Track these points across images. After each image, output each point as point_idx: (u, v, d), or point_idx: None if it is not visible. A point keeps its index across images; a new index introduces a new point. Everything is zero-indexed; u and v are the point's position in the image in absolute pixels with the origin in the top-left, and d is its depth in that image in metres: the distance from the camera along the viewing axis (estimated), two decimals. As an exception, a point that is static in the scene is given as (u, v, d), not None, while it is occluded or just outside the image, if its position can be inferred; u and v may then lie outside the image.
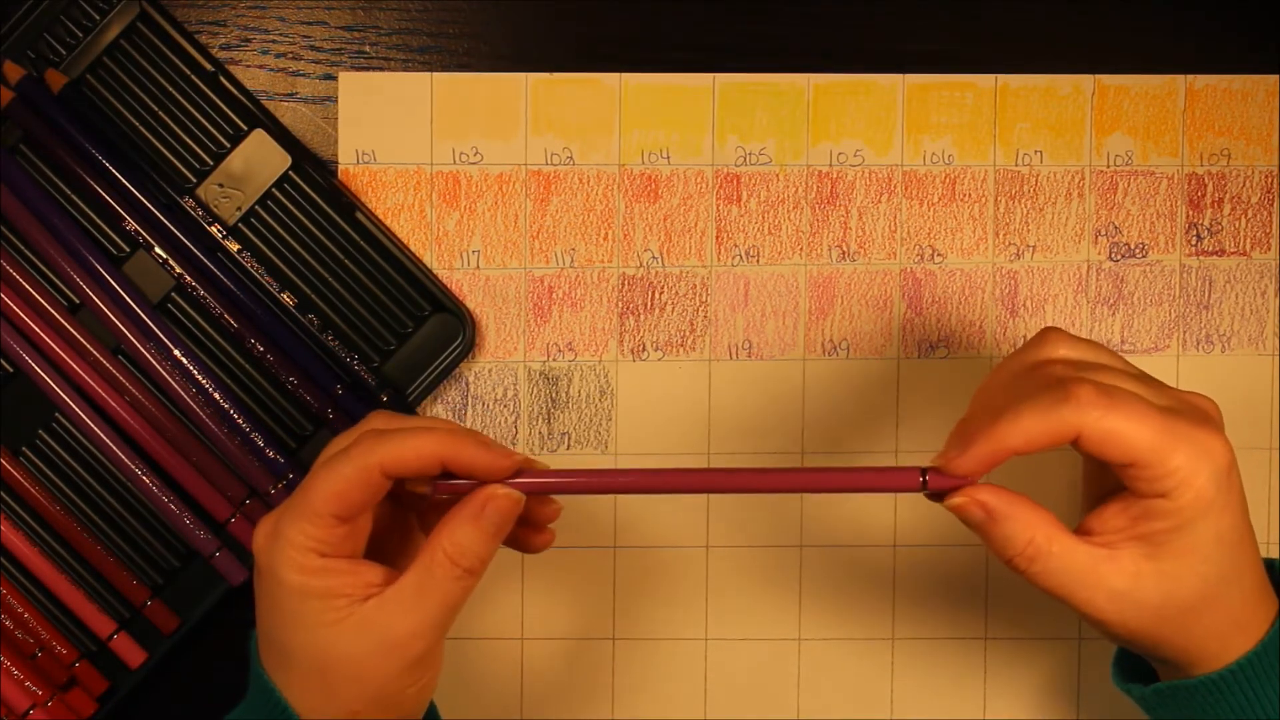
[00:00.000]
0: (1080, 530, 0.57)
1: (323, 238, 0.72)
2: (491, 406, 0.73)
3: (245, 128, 0.72)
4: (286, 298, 0.72)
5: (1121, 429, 0.54)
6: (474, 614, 0.73)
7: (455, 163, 0.73)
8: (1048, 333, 0.59)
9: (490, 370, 0.73)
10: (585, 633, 0.74)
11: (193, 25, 0.73)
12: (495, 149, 0.73)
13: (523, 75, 0.73)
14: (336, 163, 0.73)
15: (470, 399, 0.73)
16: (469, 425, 0.73)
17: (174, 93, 0.72)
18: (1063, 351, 0.58)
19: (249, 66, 0.73)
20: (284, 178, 0.72)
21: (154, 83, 0.72)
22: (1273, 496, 0.74)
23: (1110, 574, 0.56)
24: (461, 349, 0.72)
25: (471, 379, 0.73)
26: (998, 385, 0.59)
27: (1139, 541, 0.56)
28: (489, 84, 0.73)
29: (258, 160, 0.72)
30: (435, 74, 0.73)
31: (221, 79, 0.72)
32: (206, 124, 0.72)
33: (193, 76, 0.72)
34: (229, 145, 0.72)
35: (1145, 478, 0.55)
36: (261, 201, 0.72)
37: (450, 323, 0.73)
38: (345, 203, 0.72)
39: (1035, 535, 0.56)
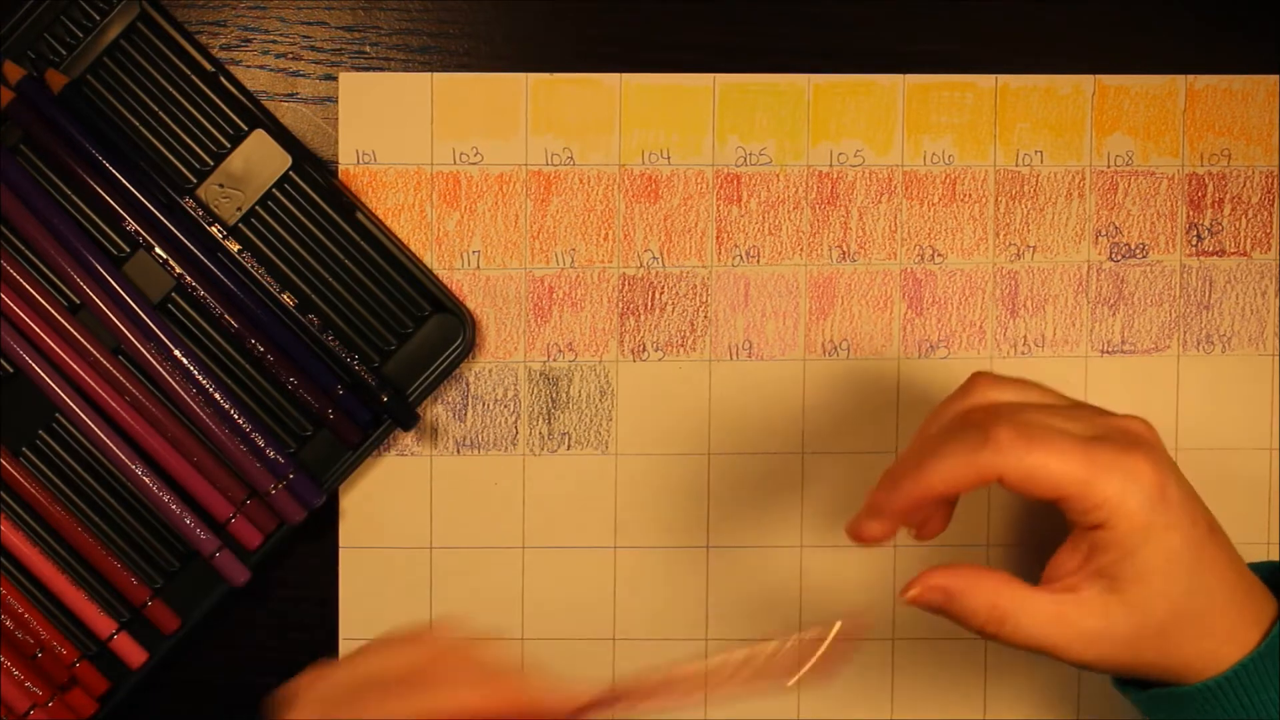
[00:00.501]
0: (1042, 580, 0.58)
1: (323, 238, 0.72)
2: (491, 407, 0.73)
3: (245, 128, 0.72)
4: (287, 298, 0.71)
5: (1041, 466, 0.55)
6: (475, 614, 0.74)
7: (455, 163, 0.73)
8: (975, 378, 0.60)
9: (490, 370, 0.73)
10: (585, 632, 0.74)
11: (193, 25, 0.73)
12: (495, 149, 0.73)
13: (523, 75, 0.73)
14: (337, 163, 0.73)
15: (470, 399, 0.73)
16: (469, 426, 0.73)
17: (174, 93, 0.72)
18: (989, 395, 0.59)
19: (249, 66, 0.73)
20: (284, 178, 0.72)
21: (154, 83, 0.72)
22: (1273, 496, 0.74)
23: (1079, 616, 0.57)
24: (462, 349, 0.72)
25: (472, 379, 0.73)
26: (930, 433, 0.60)
27: (1096, 578, 0.57)
28: (489, 84, 0.73)
29: (258, 160, 0.72)
30: (435, 74, 0.73)
31: (222, 79, 0.72)
32: (207, 124, 0.72)
33: (193, 76, 0.72)
34: (229, 145, 0.72)
35: (1078, 510, 0.56)
36: (262, 202, 0.72)
37: (450, 323, 0.73)
38: (345, 203, 0.72)
39: (997, 600, 0.57)
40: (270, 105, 0.73)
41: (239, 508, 0.72)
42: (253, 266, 0.71)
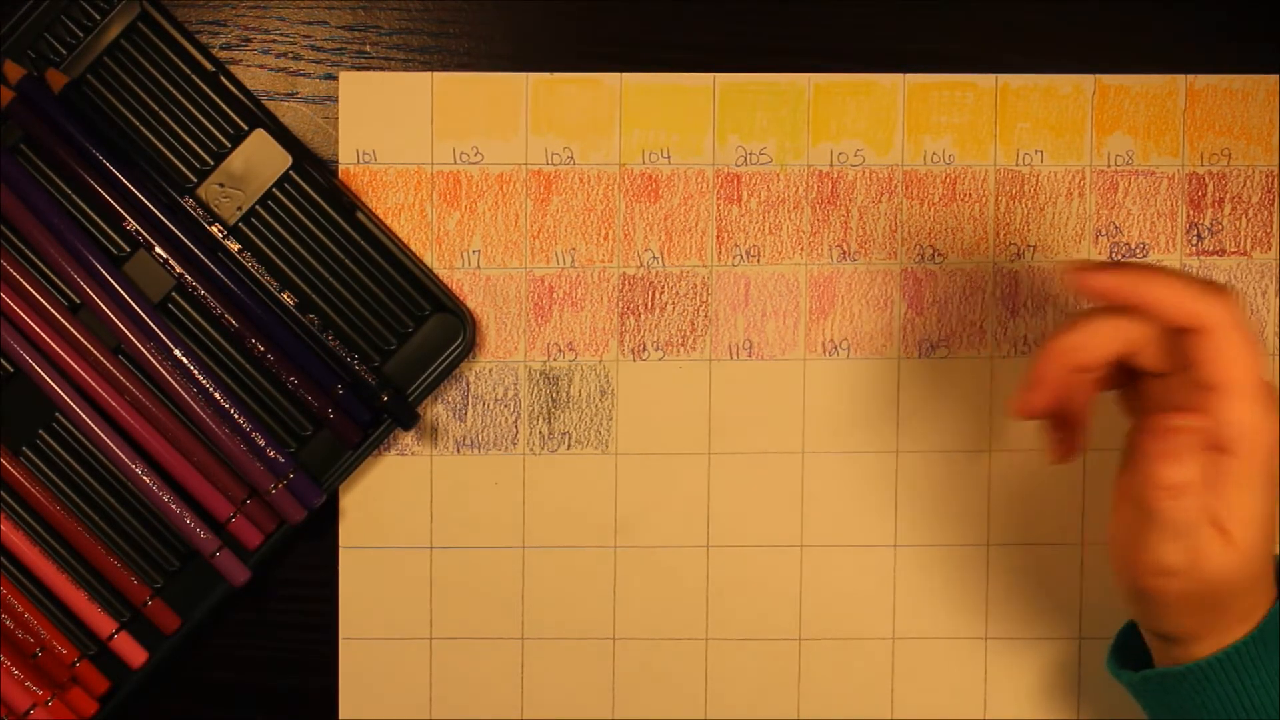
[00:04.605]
0: None
1: (323, 237, 0.72)
2: (492, 406, 0.73)
3: (246, 127, 0.72)
4: (287, 297, 0.71)
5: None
6: (474, 614, 0.74)
7: (456, 162, 0.73)
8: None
9: (491, 370, 0.73)
10: (585, 633, 0.74)
11: (193, 25, 0.73)
12: (496, 149, 0.73)
13: (523, 75, 0.73)
14: (337, 162, 0.73)
15: (471, 399, 0.73)
16: (469, 426, 0.73)
17: (174, 92, 0.72)
18: None
19: (249, 66, 0.73)
20: (284, 177, 0.72)
21: (154, 82, 0.72)
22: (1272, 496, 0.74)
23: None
24: (462, 349, 0.72)
25: (472, 379, 0.73)
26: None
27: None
28: (489, 84, 0.73)
29: (258, 160, 0.72)
30: (436, 74, 0.73)
31: (222, 79, 0.72)
32: (207, 124, 0.72)
33: (193, 76, 0.72)
34: (229, 145, 0.72)
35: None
36: (262, 201, 0.72)
37: (451, 323, 0.73)
38: (346, 203, 0.72)
39: None
40: (270, 105, 0.73)
41: (239, 507, 0.72)
42: (253, 266, 0.71)
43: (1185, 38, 0.74)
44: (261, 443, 0.71)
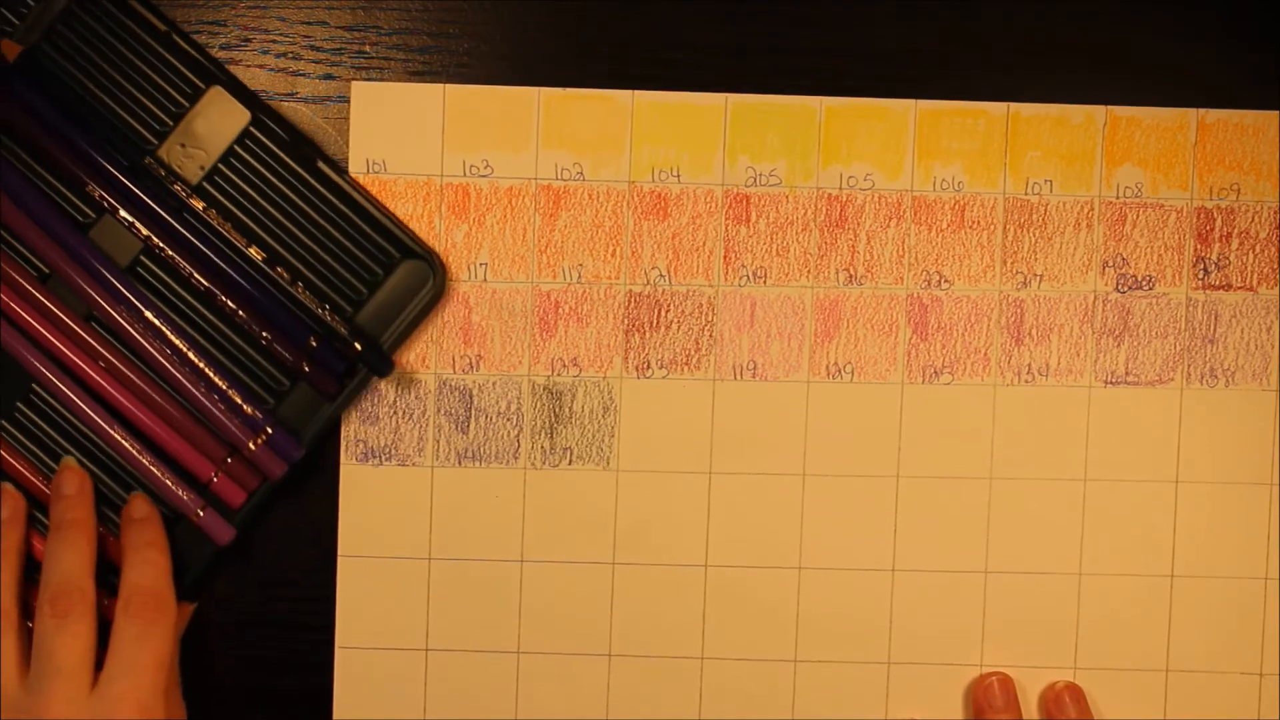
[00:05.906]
0: None
1: (287, 190, 0.72)
2: (494, 419, 0.73)
3: (203, 85, 0.72)
4: (255, 253, 0.71)
5: None
6: (471, 626, 0.74)
7: (465, 174, 0.73)
8: None
9: (494, 383, 0.73)
10: (581, 648, 0.74)
11: (193, 25, 0.73)
12: (506, 162, 0.73)
13: (535, 89, 0.72)
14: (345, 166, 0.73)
15: (474, 411, 0.73)
16: (471, 438, 0.73)
17: (129, 55, 0.72)
18: None
19: (249, 66, 0.73)
20: (244, 133, 0.72)
21: (109, 46, 0.72)
22: (1273, 532, 0.74)
23: None
24: (433, 294, 0.72)
25: (475, 392, 0.73)
26: None
27: None
28: (501, 97, 0.72)
29: (217, 117, 0.72)
30: (448, 85, 0.72)
31: (175, 38, 0.72)
32: (163, 84, 0.72)
33: (146, 37, 0.72)
34: (187, 104, 0.72)
35: None
36: (224, 159, 0.72)
37: (420, 268, 0.73)
38: (306, 154, 0.72)
39: None
40: (271, 105, 0.72)
41: (220, 466, 0.71)
42: (219, 224, 0.71)
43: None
44: (238, 400, 0.71)
